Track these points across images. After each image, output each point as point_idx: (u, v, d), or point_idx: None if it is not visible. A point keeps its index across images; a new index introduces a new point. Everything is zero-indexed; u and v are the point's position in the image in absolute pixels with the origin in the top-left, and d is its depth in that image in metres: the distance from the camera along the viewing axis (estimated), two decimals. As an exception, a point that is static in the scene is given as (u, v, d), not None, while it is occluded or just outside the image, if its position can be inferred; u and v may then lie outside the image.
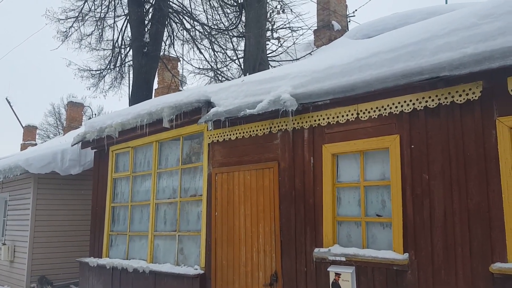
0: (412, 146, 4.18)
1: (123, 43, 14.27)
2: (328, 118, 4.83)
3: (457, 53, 3.73)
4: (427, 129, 4.10)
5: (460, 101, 3.88)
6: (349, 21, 11.57)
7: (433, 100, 4.05)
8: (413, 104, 4.17)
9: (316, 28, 11.24)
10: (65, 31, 14.05)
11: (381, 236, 4.40)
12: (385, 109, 4.38)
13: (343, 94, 4.57)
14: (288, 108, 4.85)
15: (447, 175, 3.92)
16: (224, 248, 5.68)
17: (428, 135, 4.09)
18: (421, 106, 4.12)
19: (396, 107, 4.30)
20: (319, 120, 4.91)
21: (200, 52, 13.23)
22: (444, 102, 3.98)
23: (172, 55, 14.92)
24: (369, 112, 4.51)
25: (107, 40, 14.63)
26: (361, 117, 4.57)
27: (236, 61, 13.07)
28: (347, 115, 4.68)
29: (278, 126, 5.29)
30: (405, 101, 4.23)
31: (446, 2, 11.28)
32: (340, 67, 4.63)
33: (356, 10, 11.75)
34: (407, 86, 4.11)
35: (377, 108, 4.45)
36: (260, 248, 5.28)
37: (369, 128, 4.51)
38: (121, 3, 14.13)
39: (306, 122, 5.02)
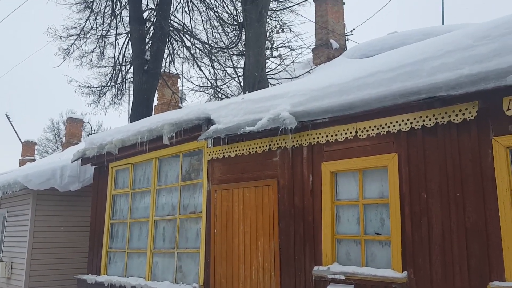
0: (410, 165, 4.22)
1: (124, 60, 14.42)
2: (327, 136, 4.88)
3: (454, 74, 3.81)
4: (424, 148, 4.16)
5: (457, 120, 3.95)
6: (347, 40, 11.76)
7: (430, 120, 4.11)
8: (411, 123, 4.23)
9: (314, 46, 11.41)
10: (67, 49, 14.20)
11: (380, 254, 4.41)
12: (383, 128, 4.44)
13: (341, 113, 4.63)
14: (288, 126, 4.91)
15: (445, 193, 3.96)
16: (223, 266, 5.67)
17: (426, 154, 4.14)
18: (419, 125, 4.18)
19: (394, 126, 4.35)
20: (318, 138, 4.96)
21: (200, 70, 13.37)
22: (441, 121, 4.04)
23: (172, 72, 15.05)
24: (367, 131, 4.56)
25: (108, 57, 14.79)
26: (360, 135, 4.62)
27: (236, 78, 13.19)
28: (345, 133, 4.73)
29: (278, 144, 5.34)
30: (403, 120, 4.30)
31: (443, 23, 11.47)
32: (339, 86, 4.70)
33: (354, 29, 11.97)
34: (405, 105, 4.18)
35: (375, 126, 4.50)
36: (259, 266, 5.27)
37: (368, 147, 4.57)
38: (122, 21, 14.33)
39: (305, 140, 5.07)
